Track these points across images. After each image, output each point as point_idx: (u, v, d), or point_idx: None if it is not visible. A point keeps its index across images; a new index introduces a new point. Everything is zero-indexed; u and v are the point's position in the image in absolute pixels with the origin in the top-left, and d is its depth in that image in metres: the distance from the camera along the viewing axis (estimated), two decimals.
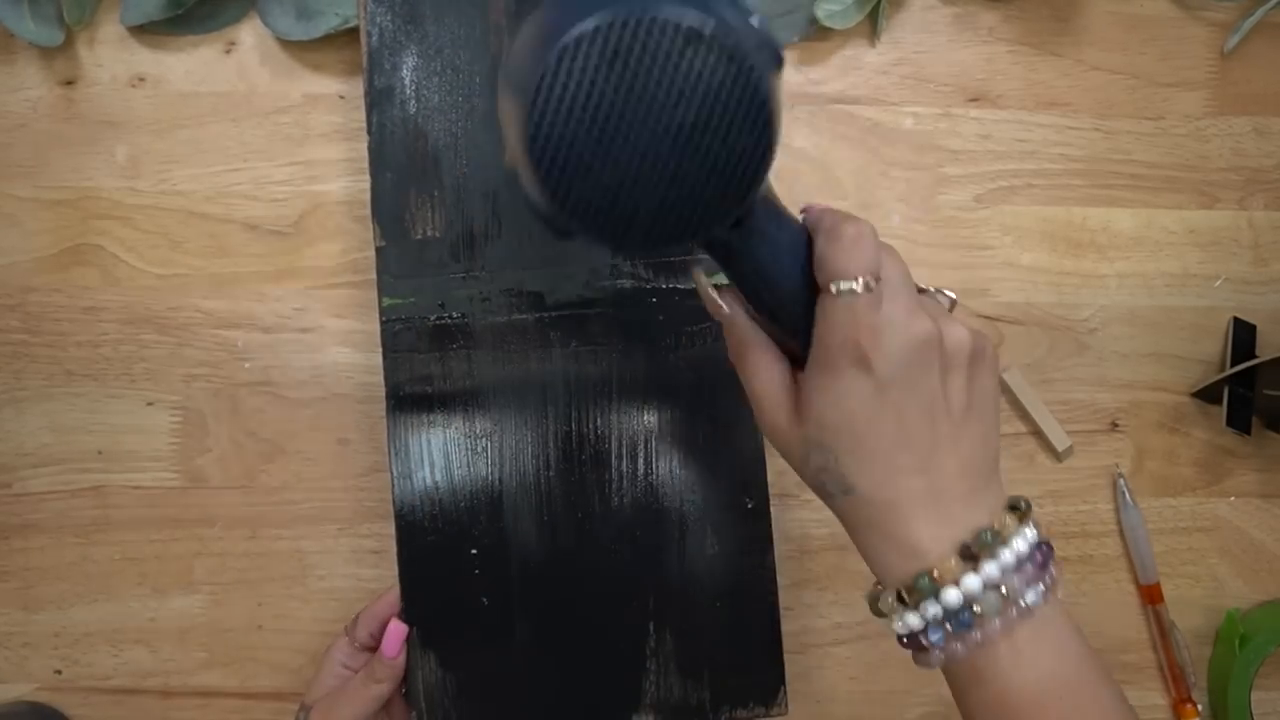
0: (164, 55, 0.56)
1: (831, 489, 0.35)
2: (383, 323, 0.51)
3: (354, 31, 0.54)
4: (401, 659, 0.48)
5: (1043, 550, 0.34)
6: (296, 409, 0.56)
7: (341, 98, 0.56)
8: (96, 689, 0.56)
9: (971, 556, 0.33)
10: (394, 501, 0.50)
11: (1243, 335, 0.57)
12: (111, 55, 0.56)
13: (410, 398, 0.51)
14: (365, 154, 0.55)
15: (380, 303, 0.51)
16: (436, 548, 0.51)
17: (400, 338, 0.51)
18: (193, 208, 0.56)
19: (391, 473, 0.50)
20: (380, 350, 0.51)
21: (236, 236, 0.56)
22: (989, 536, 0.33)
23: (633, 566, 0.51)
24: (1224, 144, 0.58)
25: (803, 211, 0.36)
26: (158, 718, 0.56)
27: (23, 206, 0.55)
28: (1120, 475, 0.58)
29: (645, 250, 0.34)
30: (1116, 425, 0.58)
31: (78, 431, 0.56)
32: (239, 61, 0.56)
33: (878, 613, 0.36)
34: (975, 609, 0.33)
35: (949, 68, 0.58)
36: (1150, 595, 0.57)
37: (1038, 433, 0.57)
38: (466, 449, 0.51)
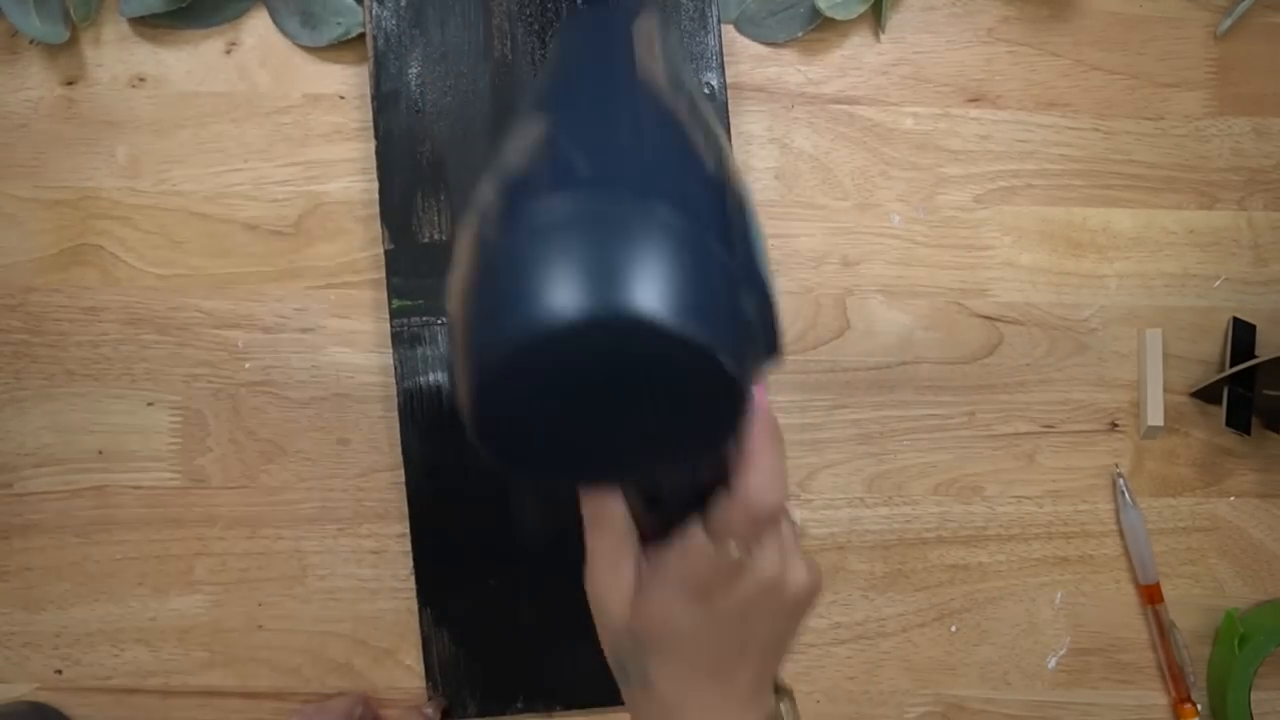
0: (165, 55, 0.56)
1: (631, 677, 0.35)
2: (392, 324, 0.52)
3: (356, 39, 0.55)
4: None
5: None
6: (296, 409, 0.56)
7: (342, 98, 0.56)
8: (97, 689, 0.56)
9: None
10: (407, 494, 0.54)
11: (1242, 335, 0.57)
12: (112, 55, 0.56)
13: (419, 396, 0.53)
14: (366, 154, 0.55)
15: (390, 305, 0.53)
16: (447, 534, 0.54)
17: (409, 339, 0.53)
18: (193, 208, 0.56)
19: (405, 468, 0.54)
20: (387, 351, 0.53)
21: (237, 236, 0.56)
22: None
23: None
24: (1224, 144, 0.58)
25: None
26: (158, 717, 0.56)
27: (23, 206, 0.55)
28: (1120, 475, 0.58)
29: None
30: (1116, 425, 0.58)
31: (78, 431, 0.56)
32: (239, 62, 0.56)
33: None
34: None
35: (949, 68, 0.58)
36: (1150, 595, 0.57)
37: (1132, 400, 0.58)
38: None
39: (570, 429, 0.27)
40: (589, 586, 0.36)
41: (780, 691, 0.37)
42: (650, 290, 0.24)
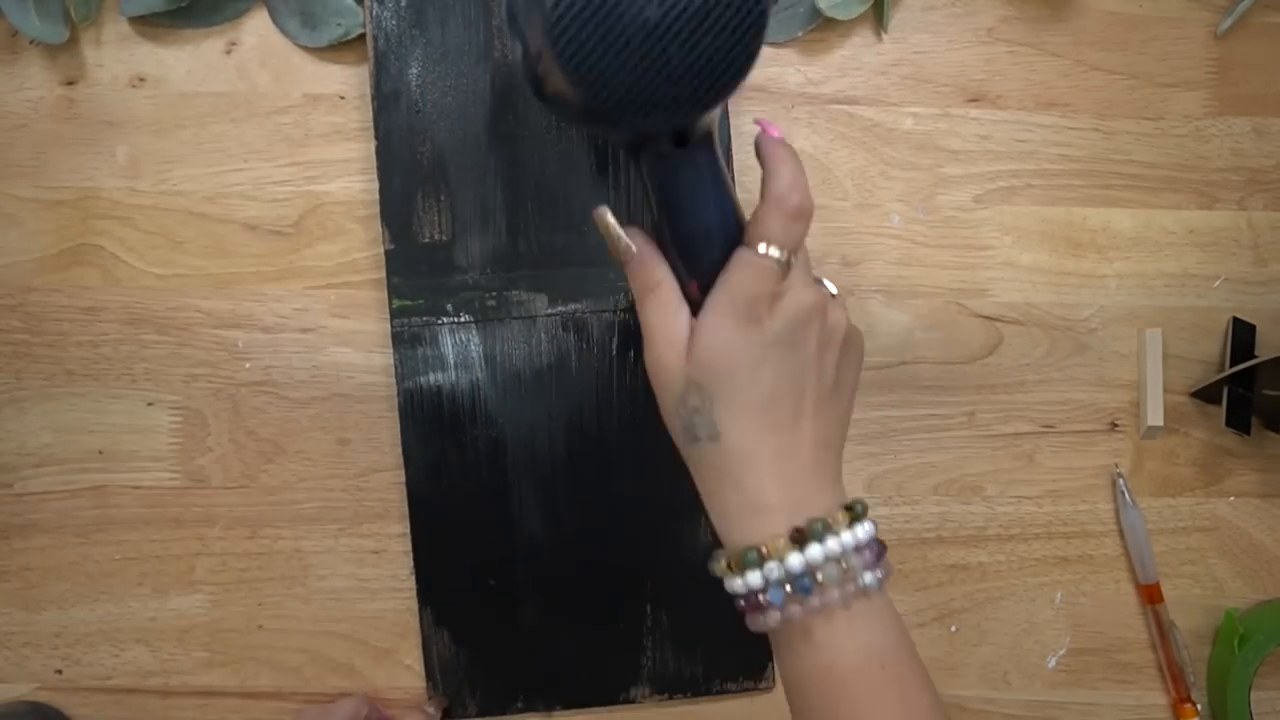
0: (165, 55, 0.56)
1: (700, 432, 0.36)
2: (393, 324, 0.52)
3: (356, 39, 0.55)
4: None
5: (877, 545, 0.37)
6: (296, 409, 0.56)
7: (342, 98, 0.56)
8: (97, 689, 0.56)
9: (800, 540, 0.35)
10: (407, 494, 0.54)
11: (1242, 335, 0.57)
12: (112, 55, 0.56)
13: (419, 396, 0.54)
14: (366, 154, 0.55)
15: (390, 305, 0.53)
16: (447, 535, 0.54)
17: (409, 339, 0.53)
18: (193, 208, 0.56)
19: (405, 468, 0.54)
20: (388, 350, 0.53)
21: (236, 236, 0.56)
22: (820, 526, 0.35)
23: (632, 550, 0.55)
24: (1223, 144, 0.58)
25: (759, 133, 0.39)
26: (158, 718, 0.56)
27: (23, 206, 0.55)
28: (1120, 475, 0.58)
29: (650, 118, 0.36)
30: (1116, 425, 0.58)
31: (78, 431, 0.56)
32: (239, 61, 0.56)
33: (714, 572, 0.37)
34: (818, 576, 0.35)
35: (948, 68, 0.58)
36: (1150, 595, 0.57)
37: (1131, 400, 0.58)
38: (474, 443, 0.54)
39: (627, 42, 0.32)
40: (648, 355, 0.37)
41: (851, 510, 0.37)
42: None
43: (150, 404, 0.56)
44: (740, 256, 0.36)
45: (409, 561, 0.56)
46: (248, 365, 0.56)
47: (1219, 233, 0.58)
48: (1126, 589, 0.58)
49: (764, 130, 0.39)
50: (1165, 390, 0.57)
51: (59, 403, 0.56)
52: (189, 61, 0.56)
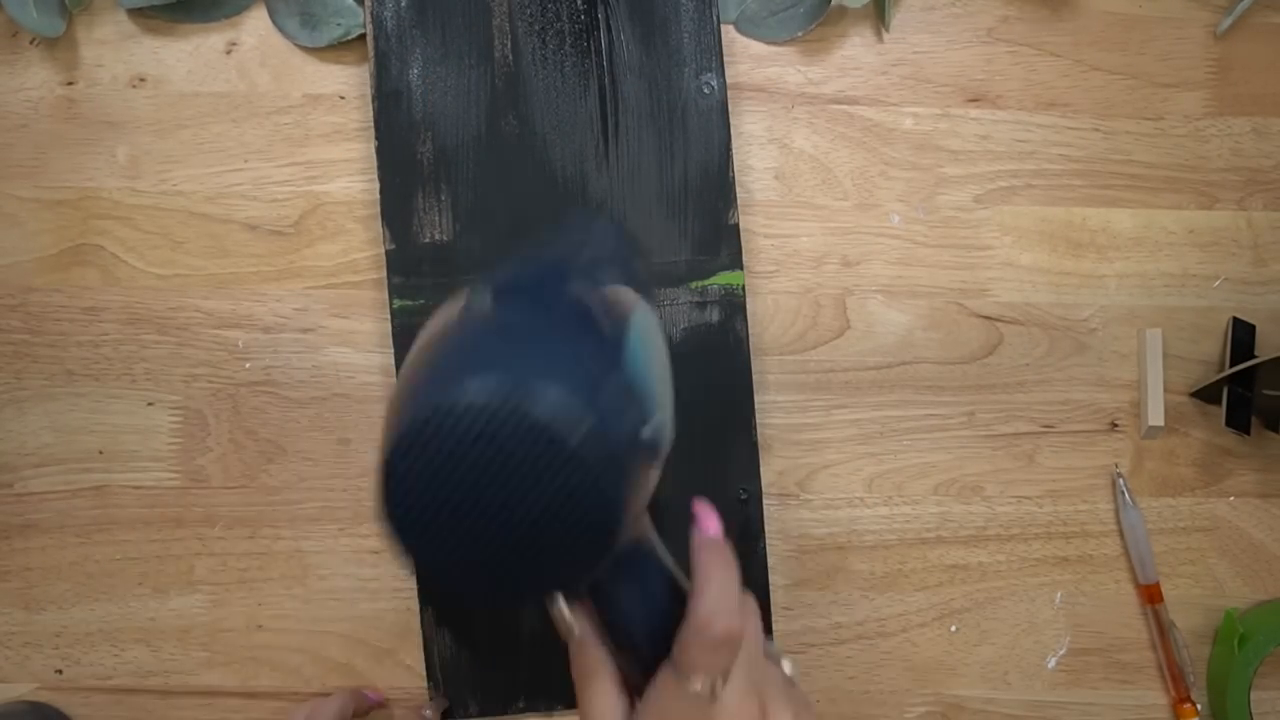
0: (165, 55, 0.56)
1: None
2: (393, 324, 0.52)
3: (357, 39, 0.55)
4: None
5: None
6: (296, 409, 0.56)
7: (342, 98, 0.56)
8: (97, 689, 0.56)
9: None
10: None
11: (1242, 335, 0.57)
12: (112, 55, 0.56)
13: None
14: (366, 154, 0.55)
15: (390, 305, 0.53)
16: None
17: (410, 339, 0.52)
18: (193, 208, 0.56)
19: None
20: (388, 351, 0.53)
21: (236, 236, 0.56)
22: None
23: None
24: (1223, 144, 0.58)
25: (693, 528, 0.36)
26: (158, 717, 0.56)
27: (23, 206, 0.55)
28: (1120, 475, 0.58)
29: (496, 606, 0.35)
30: (1116, 425, 0.58)
31: (78, 431, 0.56)
32: (239, 61, 0.56)
33: None
34: None
35: (948, 68, 0.58)
36: (1150, 595, 0.57)
37: (1133, 400, 0.58)
38: None
39: (465, 527, 0.29)
40: None
41: None
42: (546, 395, 0.28)
43: (150, 404, 0.56)
44: (662, 685, 0.33)
45: None
46: (248, 365, 0.56)
47: (1219, 233, 0.58)
48: (1126, 589, 0.58)
49: (698, 525, 0.36)
50: (1165, 390, 0.57)
51: (59, 403, 0.56)
52: (189, 61, 0.56)
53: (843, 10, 0.57)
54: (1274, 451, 0.59)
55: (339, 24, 0.54)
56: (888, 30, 0.57)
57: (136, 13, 0.55)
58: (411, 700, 0.56)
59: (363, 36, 0.54)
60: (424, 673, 0.56)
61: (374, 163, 0.54)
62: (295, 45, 0.55)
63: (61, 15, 0.54)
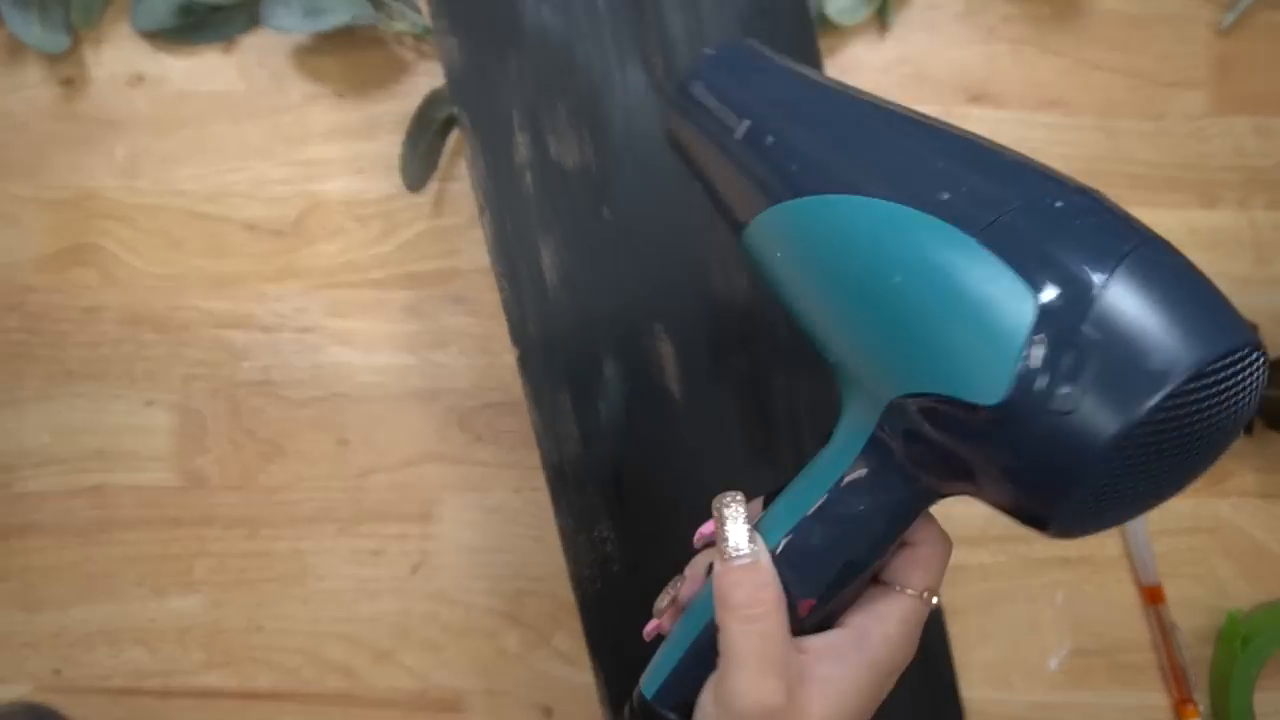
0: (164, 55, 0.56)
1: None
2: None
3: (357, 30, 0.54)
4: None
5: None
6: (296, 409, 0.56)
7: (341, 97, 0.56)
8: (96, 689, 0.56)
9: None
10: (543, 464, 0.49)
11: None
12: (111, 55, 0.56)
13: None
14: (365, 153, 0.55)
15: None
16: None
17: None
18: (193, 208, 0.56)
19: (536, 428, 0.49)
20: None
21: (236, 236, 0.56)
22: None
23: None
24: (1225, 144, 0.58)
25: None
26: (157, 718, 0.56)
27: (23, 206, 0.55)
28: None
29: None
30: None
31: (78, 431, 0.56)
32: (239, 61, 0.56)
33: None
34: None
35: (950, 67, 0.57)
36: (1152, 595, 0.57)
37: None
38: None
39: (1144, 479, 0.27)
40: (747, 695, 0.29)
41: None
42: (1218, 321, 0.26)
43: (149, 404, 0.56)
44: (910, 607, 0.32)
45: (408, 562, 0.56)
46: (247, 365, 0.56)
47: (1220, 232, 0.58)
48: (1128, 590, 0.58)
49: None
50: None
51: (58, 403, 0.55)
52: (188, 61, 0.56)
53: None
54: (1276, 452, 0.58)
55: (345, 11, 0.54)
56: (888, 29, 0.57)
57: (147, 34, 0.55)
58: (410, 701, 0.56)
59: (364, 29, 0.54)
60: (423, 673, 0.56)
61: (373, 162, 0.53)
62: (291, 40, 0.55)
63: (66, 31, 0.54)
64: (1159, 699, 0.58)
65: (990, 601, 0.57)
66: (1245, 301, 0.58)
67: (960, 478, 0.30)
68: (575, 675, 0.56)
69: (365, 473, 0.56)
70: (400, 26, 0.55)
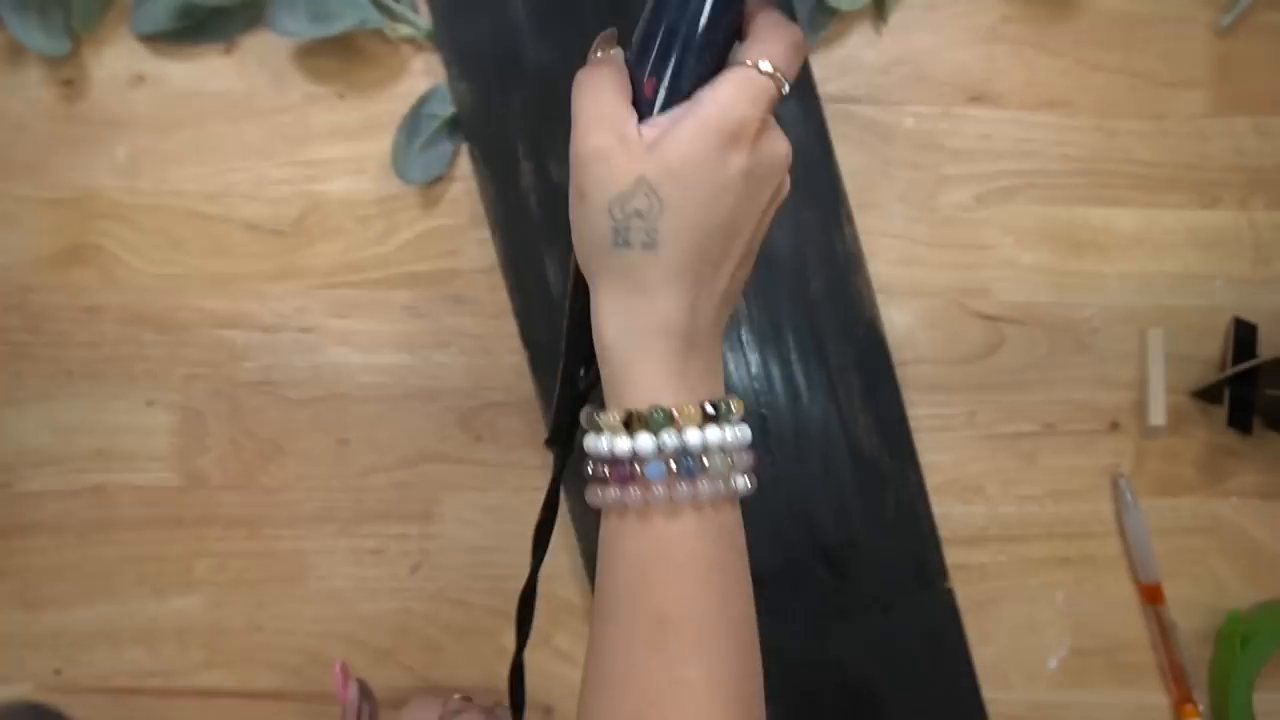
0: (164, 56, 0.56)
1: (634, 238, 0.33)
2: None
3: (358, 33, 0.54)
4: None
5: (752, 454, 0.34)
6: (296, 409, 0.56)
7: (341, 97, 0.56)
8: (96, 689, 0.56)
9: (708, 416, 0.33)
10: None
11: (1244, 335, 0.57)
12: (112, 55, 0.56)
13: None
14: (365, 154, 0.55)
15: None
16: None
17: None
18: (193, 208, 0.56)
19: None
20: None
21: (236, 236, 0.56)
22: (726, 408, 0.33)
23: None
24: (1225, 144, 0.58)
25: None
26: (157, 718, 0.56)
27: (23, 206, 0.55)
28: (1121, 475, 0.57)
29: None
30: (1118, 425, 0.58)
31: (78, 431, 0.56)
32: (239, 62, 0.56)
33: (600, 424, 0.34)
34: (704, 461, 0.32)
35: (949, 67, 0.57)
36: (1151, 595, 0.57)
37: (1138, 400, 0.57)
38: None
39: None
40: (585, 141, 0.33)
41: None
42: None
43: (150, 404, 0.56)
44: (743, 73, 0.33)
45: (408, 562, 0.56)
46: (247, 365, 0.56)
47: (1220, 232, 0.58)
48: (1128, 589, 0.58)
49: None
50: (1167, 390, 0.57)
51: (58, 402, 0.56)
52: (188, 61, 0.56)
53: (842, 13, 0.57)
54: (1276, 452, 0.58)
55: (352, 16, 0.54)
56: (885, 24, 0.57)
57: (146, 36, 0.55)
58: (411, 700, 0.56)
59: (369, 32, 0.54)
60: (422, 673, 0.56)
61: (373, 162, 0.53)
62: (292, 41, 0.55)
63: (67, 36, 0.54)
64: (1158, 699, 0.58)
65: (990, 601, 0.57)
66: (1245, 301, 0.58)
67: None
68: (575, 675, 0.56)
69: (365, 473, 0.56)
70: (404, 31, 0.55)
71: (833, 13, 0.56)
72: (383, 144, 0.55)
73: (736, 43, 0.35)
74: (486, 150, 0.54)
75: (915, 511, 0.55)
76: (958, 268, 0.57)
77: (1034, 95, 0.58)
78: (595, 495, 0.34)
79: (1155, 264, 0.58)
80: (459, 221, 0.56)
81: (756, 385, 0.55)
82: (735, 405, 0.34)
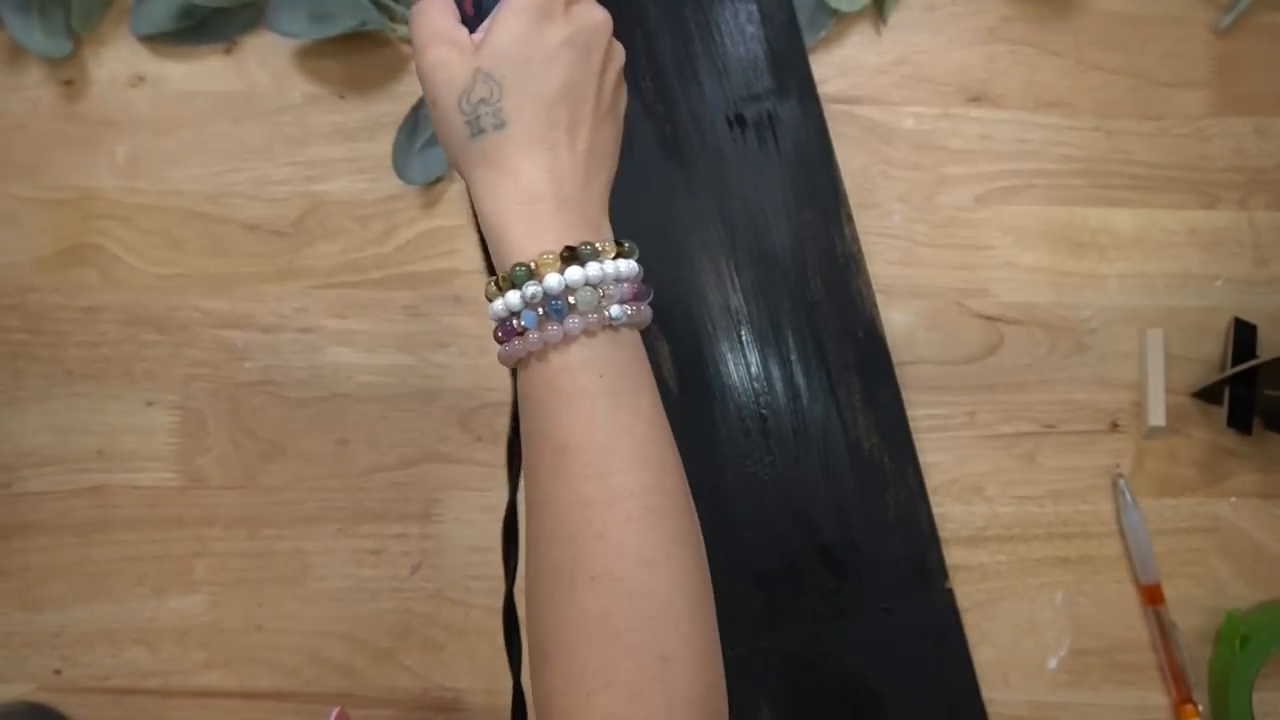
0: (164, 56, 0.56)
1: (485, 123, 0.36)
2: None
3: (358, 33, 0.54)
4: None
5: (640, 287, 0.36)
6: (296, 409, 0.56)
7: (341, 98, 0.56)
8: (96, 689, 0.56)
9: (571, 260, 0.35)
10: None
11: (1243, 336, 0.57)
12: (112, 56, 0.56)
13: None
14: (365, 154, 0.55)
15: None
16: None
17: None
18: (193, 208, 0.56)
19: None
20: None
21: (236, 236, 0.56)
22: (589, 249, 0.35)
23: None
24: (1225, 144, 0.58)
25: None
26: (157, 718, 0.56)
27: (23, 206, 0.55)
28: (1121, 475, 0.57)
29: None
30: (1117, 425, 0.58)
31: (77, 431, 0.56)
32: (239, 61, 0.56)
33: (487, 297, 0.37)
34: (571, 300, 0.34)
35: (949, 67, 0.58)
36: (1151, 595, 0.57)
37: (1134, 400, 0.57)
38: None
39: None
40: (425, 61, 0.37)
41: (621, 245, 0.37)
42: None
43: (150, 404, 0.56)
44: None
45: (408, 561, 0.56)
46: (247, 365, 0.56)
47: (1220, 233, 0.58)
48: (1127, 589, 0.58)
49: None
50: (1166, 390, 0.57)
51: (58, 402, 0.56)
52: (188, 62, 0.56)
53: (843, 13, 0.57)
54: (1275, 452, 0.58)
55: (353, 17, 0.54)
56: (885, 24, 0.57)
57: (146, 37, 0.55)
58: (410, 701, 0.56)
59: (369, 32, 0.54)
60: (422, 673, 0.56)
61: (373, 161, 0.53)
62: (292, 41, 0.55)
63: (68, 36, 0.54)
64: (1158, 699, 0.58)
65: (989, 601, 0.57)
66: (1245, 301, 0.58)
67: None
68: None
69: (365, 473, 0.56)
70: (404, 31, 0.55)
71: (833, 13, 0.56)
72: (383, 144, 0.55)
73: None
74: None
75: (915, 512, 0.55)
76: (958, 268, 0.57)
77: (1034, 95, 0.58)
78: (500, 357, 0.36)
79: (1155, 264, 0.58)
80: (459, 221, 0.56)
81: (756, 385, 0.55)
82: (606, 246, 0.36)
